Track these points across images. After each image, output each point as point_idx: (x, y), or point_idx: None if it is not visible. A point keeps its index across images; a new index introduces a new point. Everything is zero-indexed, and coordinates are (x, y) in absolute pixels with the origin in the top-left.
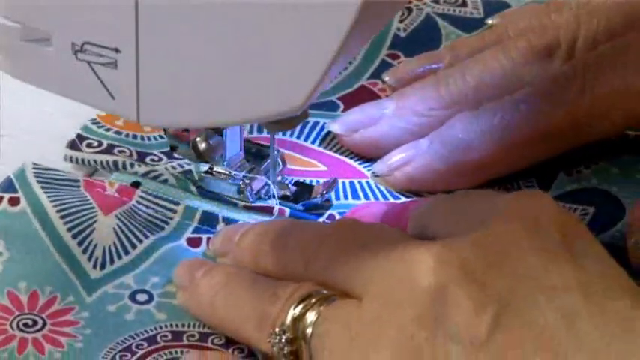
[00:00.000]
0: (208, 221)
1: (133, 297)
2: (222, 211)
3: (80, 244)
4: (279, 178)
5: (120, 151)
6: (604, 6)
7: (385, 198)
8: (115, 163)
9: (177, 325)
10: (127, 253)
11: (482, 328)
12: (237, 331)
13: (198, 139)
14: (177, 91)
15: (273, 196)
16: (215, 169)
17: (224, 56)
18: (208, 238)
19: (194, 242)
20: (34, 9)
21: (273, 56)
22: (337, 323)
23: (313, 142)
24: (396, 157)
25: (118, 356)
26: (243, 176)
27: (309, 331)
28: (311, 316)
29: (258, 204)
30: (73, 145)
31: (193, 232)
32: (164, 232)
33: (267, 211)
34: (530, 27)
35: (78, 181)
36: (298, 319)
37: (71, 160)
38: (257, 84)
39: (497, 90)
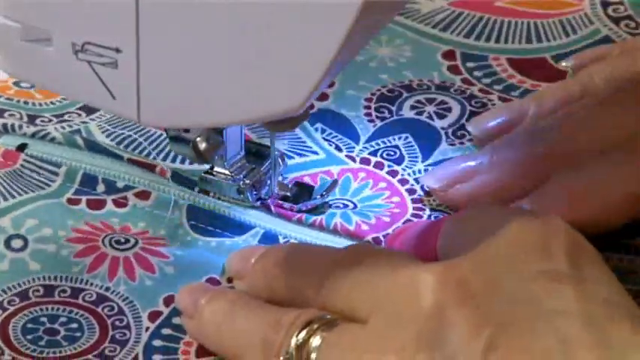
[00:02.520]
0: (89, 183)
1: (7, 243)
2: (103, 172)
3: None
4: (280, 179)
5: (10, 115)
6: None
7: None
8: (5, 125)
9: (49, 278)
10: (5, 199)
11: (476, 351)
12: None
13: (198, 138)
14: (178, 91)
15: (274, 196)
16: (215, 169)
17: (224, 56)
18: (87, 200)
19: (74, 202)
20: (35, 9)
21: (273, 56)
22: (341, 347)
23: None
24: (451, 172)
25: None
26: (244, 176)
27: (313, 356)
28: (315, 342)
29: (144, 160)
30: None
31: (74, 193)
32: (45, 191)
33: (149, 167)
34: (617, 76)
35: None
36: (302, 345)
37: None
38: (257, 84)
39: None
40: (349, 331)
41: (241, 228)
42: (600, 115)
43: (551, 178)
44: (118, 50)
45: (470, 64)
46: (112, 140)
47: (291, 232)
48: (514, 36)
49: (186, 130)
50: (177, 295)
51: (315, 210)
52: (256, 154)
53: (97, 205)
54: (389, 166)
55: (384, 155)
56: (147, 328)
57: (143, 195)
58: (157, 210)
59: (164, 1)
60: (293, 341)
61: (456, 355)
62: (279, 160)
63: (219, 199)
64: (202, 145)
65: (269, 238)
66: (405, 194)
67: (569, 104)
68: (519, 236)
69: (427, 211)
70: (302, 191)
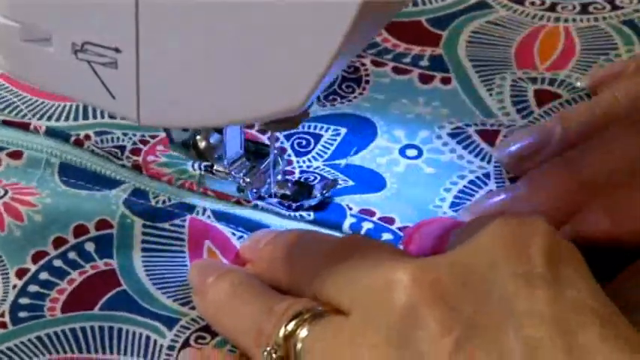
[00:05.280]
0: None
1: None
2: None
3: None
4: (279, 177)
5: None
6: None
7: None
8: None
9: None
10: None
11: (444, 351)
12: (238, 343)
13: (198, 137)
14: (178, 91)
15: (274, 195)
16: (215, 167)
17: (224, 56)
18: None
19: None
20: (35, 9)
21: (273, 56)
22: (325, 340)
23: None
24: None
25: None
26: (243, 175)
27: (299, 347)
28: (302, 333)
29: (18, 120)
30: None
31: None
32: None
33: (23, 126)
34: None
35: None
36: (290, 335)
37: None
38: (257, 84)
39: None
40: (333, 324)
41: (113, 182)
42: (629, 137)
43: (591, 205)
44: (117, 50)
45: None
46: None
47: (158, 189)
48: None
49: (186, 129)
50: (189, 271)
51: (317, 208)
52: (256, 152)
53: None
54: None
55: None
56: (14, 286)
57: (15, 155)
58: (30, 168)
59: (164, 1)
60: (282, 331)
61: (424, 355)
62: (279, 159)
63: (92, 152)
64: (202, 144)
65: (139, 193)
66: None
67: (596, 126)
68: (497, 236)
69: None
70: (301, 190)
